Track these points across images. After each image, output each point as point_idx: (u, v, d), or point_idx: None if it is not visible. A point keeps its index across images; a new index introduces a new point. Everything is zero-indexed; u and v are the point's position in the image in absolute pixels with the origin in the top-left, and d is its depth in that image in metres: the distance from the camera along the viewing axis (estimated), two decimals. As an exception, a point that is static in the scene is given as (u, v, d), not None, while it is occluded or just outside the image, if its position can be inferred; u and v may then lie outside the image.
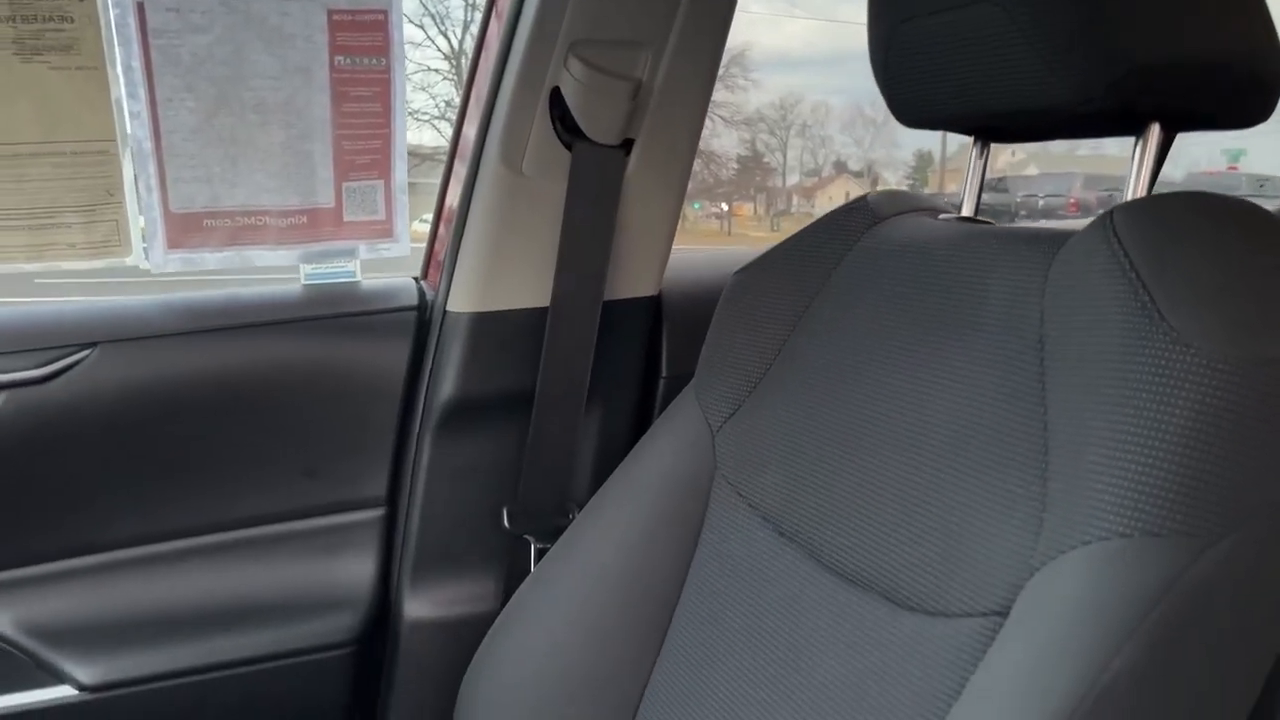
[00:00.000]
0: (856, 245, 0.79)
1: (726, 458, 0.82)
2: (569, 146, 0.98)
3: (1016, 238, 0.66)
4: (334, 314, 1.06)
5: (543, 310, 1.02)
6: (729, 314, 0.88)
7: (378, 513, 1.08)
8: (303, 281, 1.07)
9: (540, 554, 1.02)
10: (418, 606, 1.05)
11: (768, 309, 0.83)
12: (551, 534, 0.98)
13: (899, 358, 0.68)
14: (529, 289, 1.03)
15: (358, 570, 1.07)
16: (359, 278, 1.10)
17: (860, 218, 0.81)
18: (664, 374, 1.13)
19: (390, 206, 1.08)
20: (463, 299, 1.03)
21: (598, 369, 1.05)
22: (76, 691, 0.94)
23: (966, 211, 0.80)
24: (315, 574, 1.06)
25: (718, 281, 0.92)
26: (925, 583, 0.59)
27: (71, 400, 0.95)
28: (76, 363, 0.95)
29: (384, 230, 1.09)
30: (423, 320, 1.08)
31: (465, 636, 1.01)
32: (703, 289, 1.12)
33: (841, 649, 0.64)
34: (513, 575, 1.04)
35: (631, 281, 1.08)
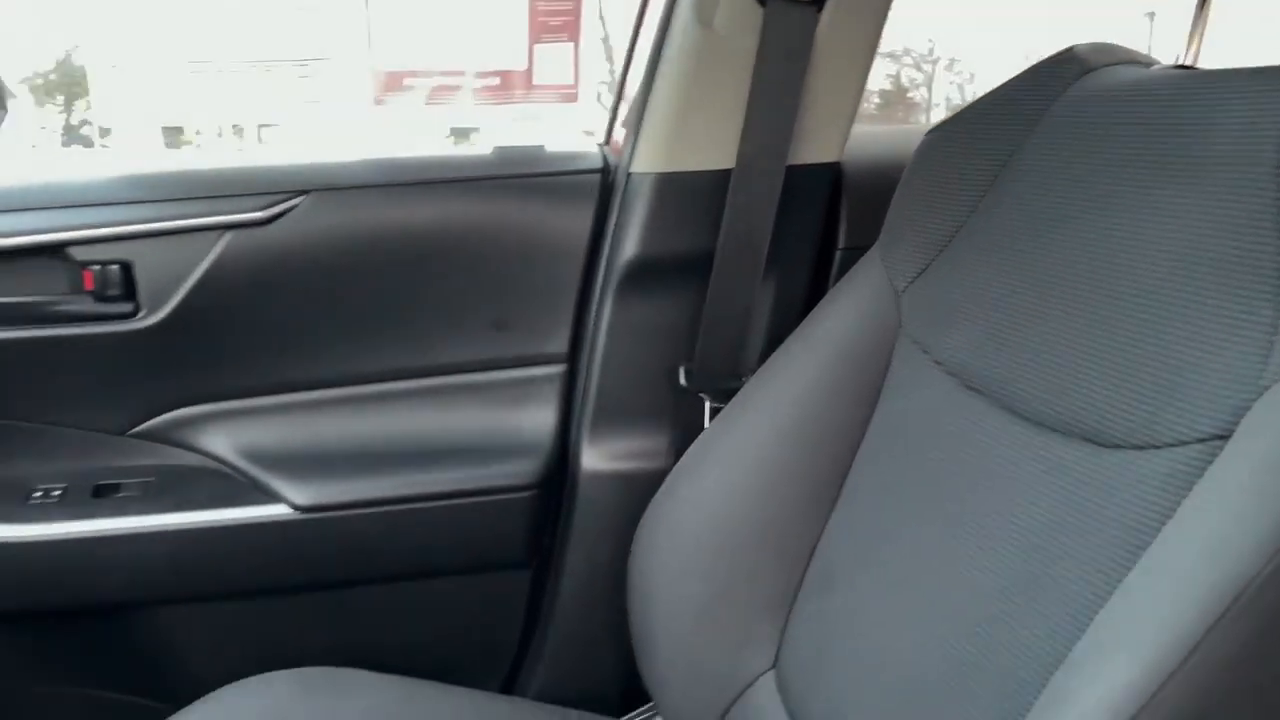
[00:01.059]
0: (1064, 95, 0.75)
1: (912, 316, 0.82)
2: (762, 2, 0.97)
3: (1246, 75, 0.62)
4: (522, 174, 1.10)
5: (725, 172, 1.03)
6: (921, 172, 0.86)
7: (559, 368, 1.13)
8: (492, 144, 1.11)
9: (714, 413, 1.05)
10: (594, 458, 1.10)
11: (964, 165, 0.81)
12: (725, 395, 1.01)
13: (1111, 200, 0.66)
14: (713, 150, 1.03)
15: (539, 421, 1.13)
16: (545, 142, 1.14)
17: (1069, 68, 0.77)
18: (841, 245, 1.12)
19: (578, 70, 1.10)
20: (647, 160, 1.04)
21: (776, 235, 1.05)
22: (291, 510, 1.04)
23: (1186, 61, 0.75)
24: (500, 422, 1.12)
25: (900, 153, 0.90)
26: (1134, 417, 0.58)
27: (286, 242, 1.03)
28: (291, 208, 1.02)
29: (570, 94, 1.12)
30: (606, 183, 1.11)
31: (638, 489, 1.06)
32: (885, 160, 1.10)
33: (1035, 492, 0.64)
34: (685, 433, 1.07)
35: (815, 146, 1.06)
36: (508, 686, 1.19)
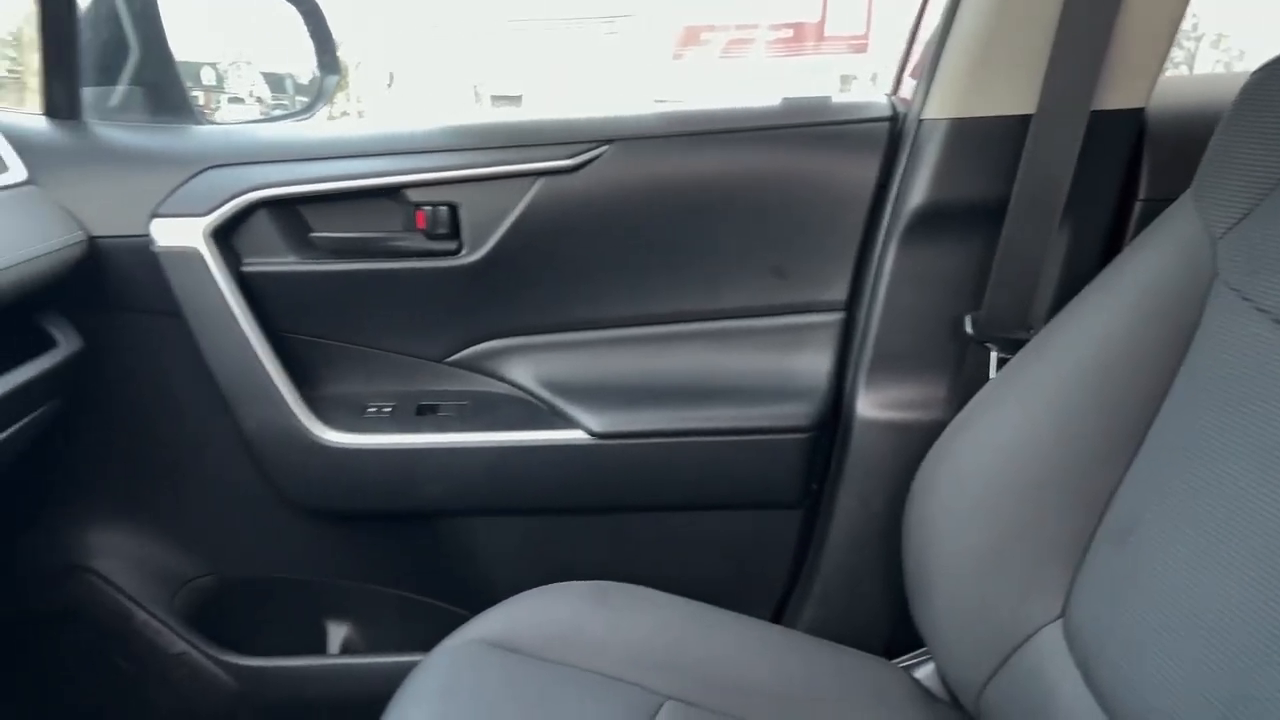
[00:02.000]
0: None
1: (1231, 263, 0.78)
2: None
3: None
4: (808, 123, 1.12)
5: (1024, 118, 1.01)
6: (1248, 111, 0.81)
7: (837, 315, 1.16)
8: (781, 95, 1.15)
9: (1000, 364, 1.04)
10: (869, 405, 1.12)
11: None
12: (1012, 345, 0.99)
13: None
14: (1011, 94, 1.01)
15: (815, 366, 1.16)
16: (832, 92, 1.15)
17: None
18: (1141, 195, 1.07)
19: (870, 19, 1.10)
20: (940, 105, 1.04)
21: (1075, 183, 1.01)
22: (587, 436, 1.13)
23: None
24: (777, 365, 1.16)
25: (1209, 101, 0.86)
26: None
27: (590, 189, 1.10)
28: (595, 157, 1.10)
29: (861, 44, 1.12)
30: (894, 132, 1.11)
31: (913, 438, 1.07)
32: (1192, 108, 1.04)
33: None
34: (967, 384, 1.06)
35: (1121, 91, 1.02)
36: (774, 620, 1.23)
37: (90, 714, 1.20)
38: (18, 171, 1.02)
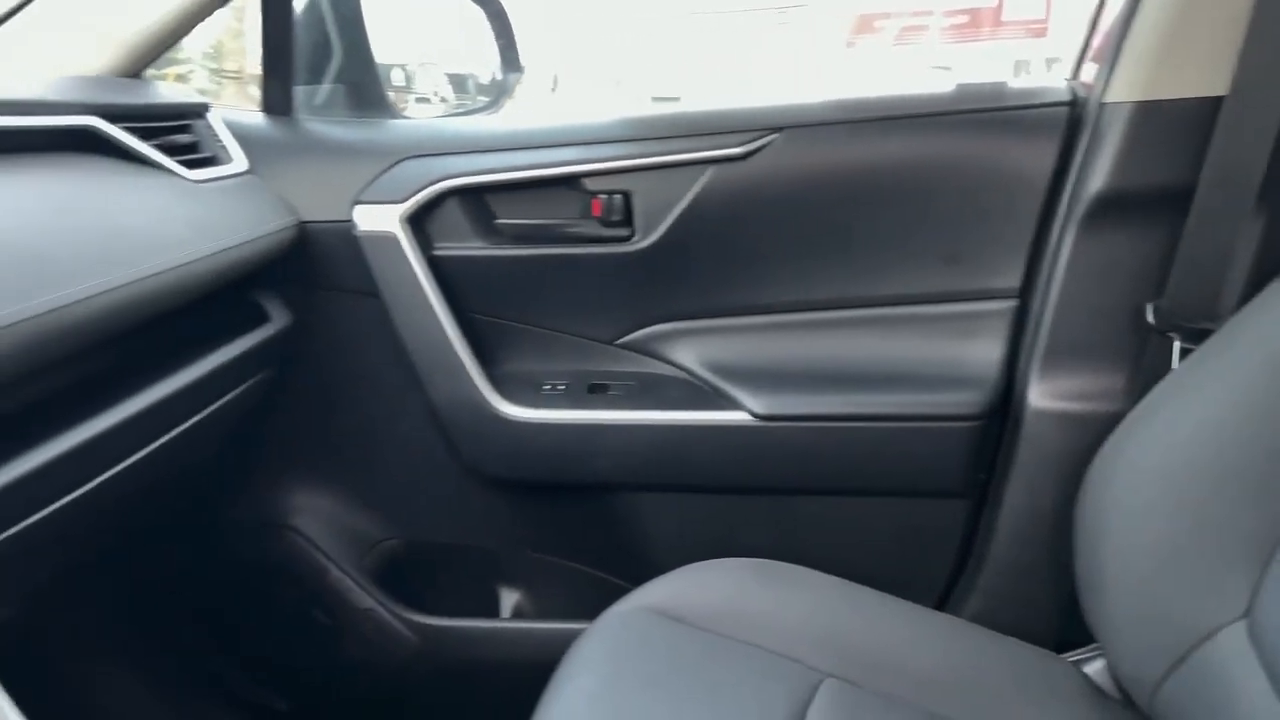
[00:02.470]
0: None
1: None
2: None
3: None
4: (984, 109, 1.11)
5: (1216, 99, 0.97)
6: None
7: (1009, 303, 1.14)
8: (955, 81, 1.14)
9: (1184, 354, 1.01)
10: (1043, 395, 1.10)
11: None
12: (1197, 335, 0.96)
13: None
14: (1202, 75, 0.97)
15: (985, 354, 1.14)
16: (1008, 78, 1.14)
17: None
18: None
19: (1050, 3, 1.08)
20: (1125, 88, 1.01)
21: (1271, 167, 0.97)
22: (750, 418, 1.15)
23: None
24: (945, 352, 1.16)
25: None
26: None
27: (760, 176, 1.13)
28: (765, 145, 1.12)
29: (1040, 29, 1.10)
30: (1074, 117, 1.09)
31: (1088, 429, 1.04)
32: None
33: None
34: (1148, 374, 1.03)
35: (1325, 70, 0.97)
36: (938, 609, 1.23)
37: (288, 660, 1.31)
38: (240, 162, 1.13)
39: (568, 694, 0.85)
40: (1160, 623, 0.86)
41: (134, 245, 0.83)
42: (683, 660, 0.89)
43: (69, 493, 0.77)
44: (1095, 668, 1.03)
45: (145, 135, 0.99)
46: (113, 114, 0.95)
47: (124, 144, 0.95)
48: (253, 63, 1.27)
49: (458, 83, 1.82)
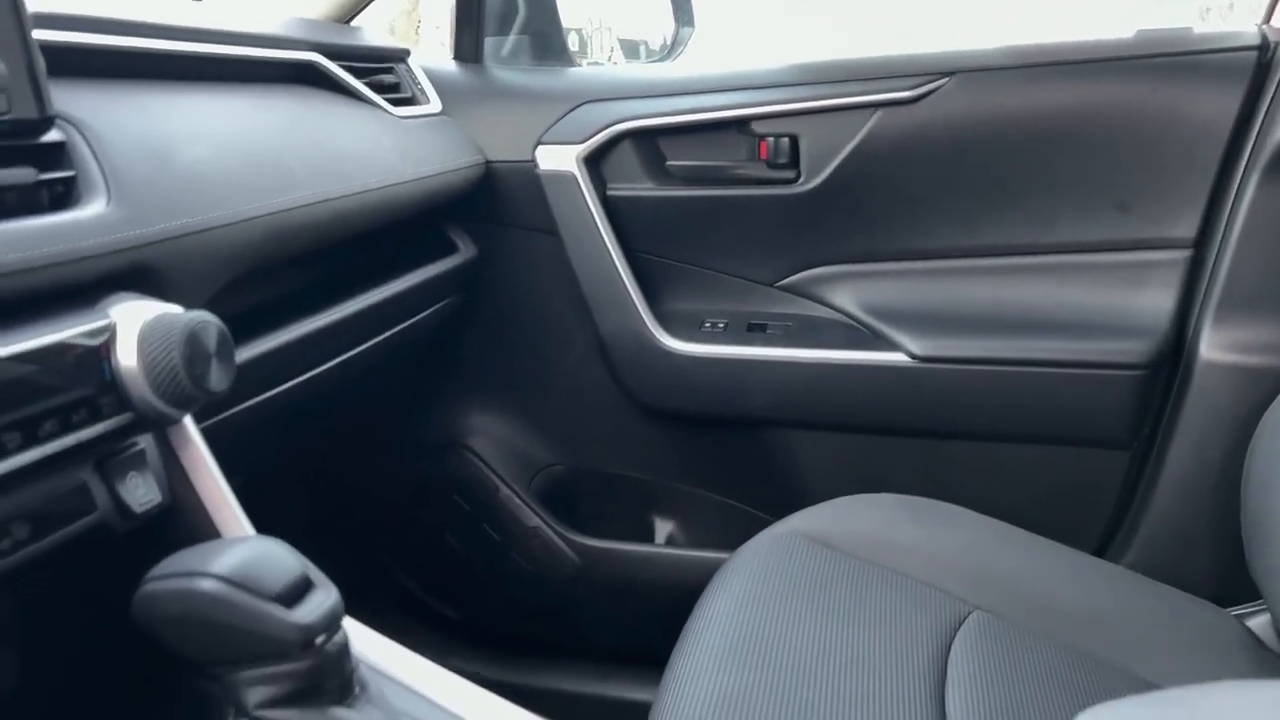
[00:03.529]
0: None
1: None
2: None
3: None
4: (1164, 54, 1.09)
5: None
6: None
7: (1183, 253, 1.12)
8: (1135, 27, 1.12)
9: (1371, 306, 0.97)
10: (1215, 347, 1.07)
11: None
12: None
13: None
14: None
15: (1155, 304, 1.13)
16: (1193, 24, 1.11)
17: None
18: None
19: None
20: (1321, 28, 0.98)
21: None
22: (908, 359, 1.17)
23: None
24: (1113, 301, 1.14)
25: None
26: None
27: (929, 120, 1.15)
28: (936, 89, 1.14)
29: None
30: (1263, 62, 1.05)
31: (1261, 384, 1.02)
32: None
33: None
34: (1330, 328, 1.00)
35: None
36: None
37: (461, 570, 1.41)
38: (435, 104, 1.23)
39: (721, 598, 0.90)
40: None
41: (352, 165, 0.93)
42: (831, 581, 0.92)
43: (291, 379, 0.88)
44: (1258, 622, 1.00)
45: (357, 74, 1.09)
46: (331, 52, 1.06)
47: (340, 79, 1.06)
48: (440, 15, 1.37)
49: (629, 48, 1.88)
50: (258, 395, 0.83)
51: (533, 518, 1.35)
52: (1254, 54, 1.06)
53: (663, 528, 1.39)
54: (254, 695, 0.49)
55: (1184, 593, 1.00)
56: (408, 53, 1.24)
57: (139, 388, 0.55)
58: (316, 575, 0.52)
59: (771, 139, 1.20)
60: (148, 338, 0.55)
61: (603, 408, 1.33)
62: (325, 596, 0.51)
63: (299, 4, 1.17)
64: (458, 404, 1.38)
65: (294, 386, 0.89)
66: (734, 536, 1.04)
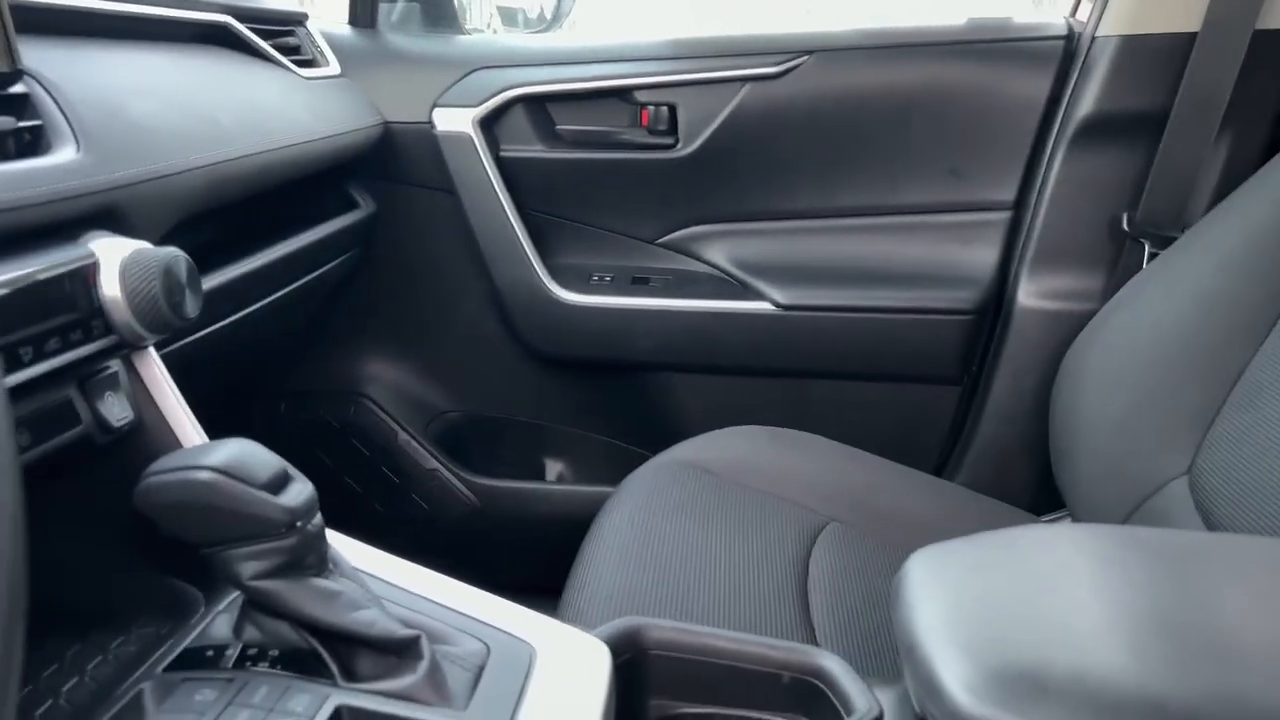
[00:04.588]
0: None
1: None
2: None
3: None
4: (990, 40, 1.26)
5: (1190, 35, 1.11)
6: None
7: (1005, 214, 1.30)
8: (966, 15, 1.29)
9: (1152, 258, 1.16)
10: (1029, 294, 1.26)
11: None
12: (1165, 242, 1.11)
13: None
14: (1180, 12, 1.12)
15: (982, 258, 1.31)
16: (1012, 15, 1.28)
17: None
18: None
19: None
20: (1113, 23, 1.16)
21: (1235, 97, 1.12)
22: (774, 307, 1.32)
23: None
24: (946, 255, 1.32)
25: None
26: None
27: (791, 94, 1.29)
28: (797, 65, 1.28)
29: (1044, -31, 1.25)
30: (1069, 48, 1.23)
31: (1067, 325, 1.20)
32: None
33: None
34: (1121, 276, 1.19)
35: (1287, 11, 1.11)
36: (931, 480, 1.40)
37: (364, 513, 1.49)
38: (335, 67, 1.29)
39: (615, 515, 1.02)
40: (1118, 480, 1.02)
41: (274, 121, 0.99)
42: (708, 500, 1.05)
43: (213, 324, 0.94)
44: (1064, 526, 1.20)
45: (263, 36, 1.14)
46: (239, 14, 1.11)
47: (250, 40, 1.11)
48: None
49: (507, 15, 1.96)
50: (184, 339, 0.90)
51: (431, 460, 1.44)
52: (1061, 43, 1.24)
53: (553, 467, 1.51)
54: (247, 569, 0.57)
55: (1004, 504, 1.18)
56: (306, 16, 1.30)
57: (122, 313, 0.62)
58: (292, 470, 0.61)
59: (652, 107, 1.32)
60: (129, 270, 0.62)
61: (496, 356, 1.43)
62: (304, 486, 0.60)
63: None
64: (357, 354, 1.46)
65: (214, 332, 0.96)
66: (620, 472, 1.16)
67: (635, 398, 1.43)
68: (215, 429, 1.43)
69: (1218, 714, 0.42)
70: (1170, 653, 0.48)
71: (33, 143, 0.66)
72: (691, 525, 0.99)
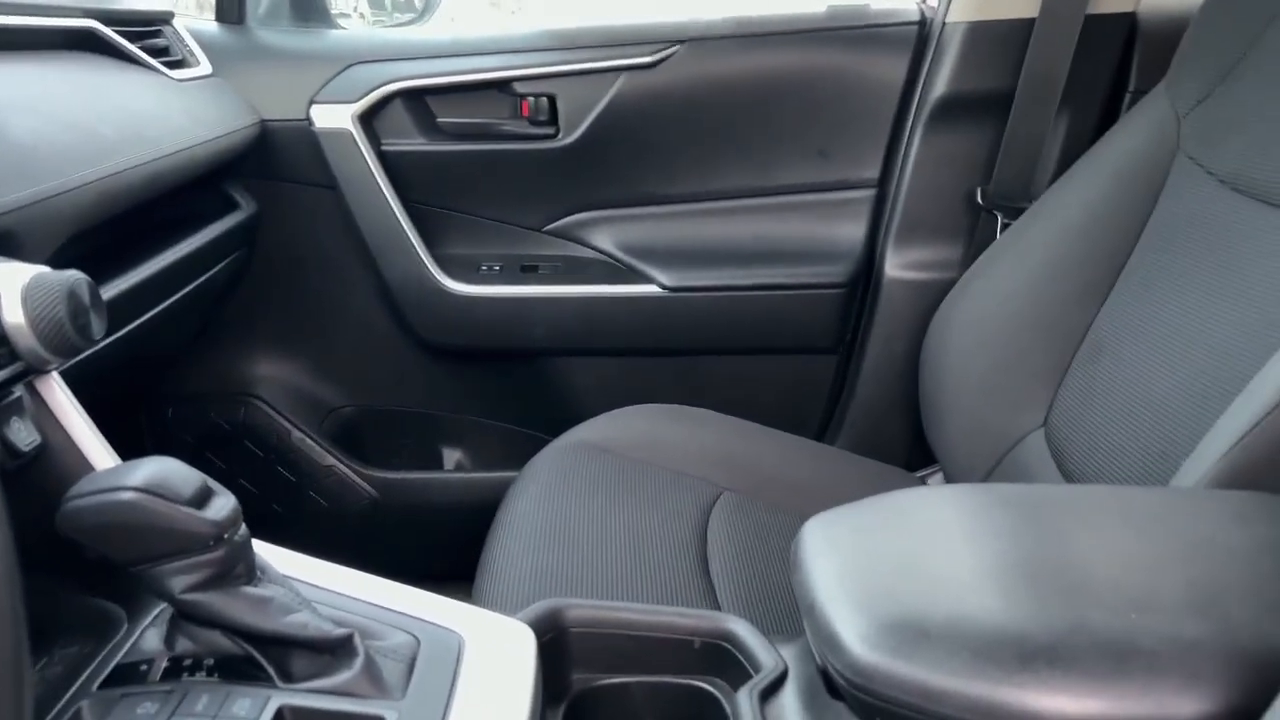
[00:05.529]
0: None
1: (1190, 138, 0.98)
2: None
3: None
4: (849, 26, 1.33)
5: (1029, 21, 1.21)
6: (1213, 8, 1.01)
7: (870, 191, 1.38)
8: (826, 3, 1.35)
9: (1004, 228, 1.26)
10: (896, 266, 1.34)
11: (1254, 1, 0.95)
12: (1016, 213, 1.21)
13: None
14: (1019, 0, 1.21)
15: (851, 234, 1.39)
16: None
17: None
18: (1131, 88, 1.27)
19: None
20: (960, 10, 1.24)
21: (1072, 76, 1.22)
22: (660, 290, 1.37)
23: None
24: (818, 233, 1.39)
25: (1197, 3, 1.05)
26: None
27: (666, 82, 1.33)
28: (671, 55, 1.32)
29: (895, -42, 1.32)
30: (922, 34, 1.32)
31: (932, 293, 1.29)
32: (1181, 9, 1.23)
33: None
34: (978, 246, 1.28)
35: (1115, -3, 1.22)
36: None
37: (262, 513, 1.48)
38: (206, 66, 1.26)
39: (521, 499, 1.05)
40: (982, 436, 1.11)
41: (153, 129, 0.98)
42: (609, 477, 1.10)
43: (115, 333, 0.93)
44: (935, 479, 1.29)
45: (130, 39, 1.12)
46: (104, 18, 1.08)
47: (118, 44, 1.09)
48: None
49: (375, 2, 1.94)
50: (77, 357, 0.88)
51: (327, 457, 1.44)
52: (915, 28, 1.32)
53: (452, 456, 1.53)
54: (177, 584, 0.59)
55: (882, 463, 1.26)
56: (173, 15, 1.27)
57: (27, 339, 0.62)
58: (213, 483, 0.62)
59: (532, 98, 1.34)
60: (31, 295, 0.62)
61: (389, 349, 1.44)
62: (226, 499, 0.61)
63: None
64: (246, 355, 1.44)
65: (106, 347, 0.94)
66: (519, 458, 1.20)
67: (531, 383, 1.46)
68: (106, 437, 1.40)
69: (1070, 642, 0.49)
70: (1030, 593, 0.55)
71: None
72: (595, 504, 1.04)
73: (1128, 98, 1.27)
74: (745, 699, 0.63)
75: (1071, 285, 1.05)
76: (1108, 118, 1.28)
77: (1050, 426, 1.06)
